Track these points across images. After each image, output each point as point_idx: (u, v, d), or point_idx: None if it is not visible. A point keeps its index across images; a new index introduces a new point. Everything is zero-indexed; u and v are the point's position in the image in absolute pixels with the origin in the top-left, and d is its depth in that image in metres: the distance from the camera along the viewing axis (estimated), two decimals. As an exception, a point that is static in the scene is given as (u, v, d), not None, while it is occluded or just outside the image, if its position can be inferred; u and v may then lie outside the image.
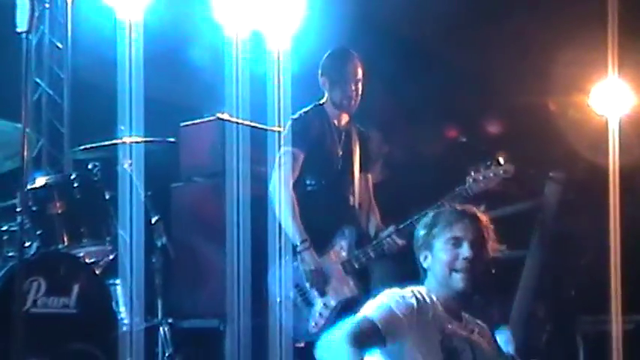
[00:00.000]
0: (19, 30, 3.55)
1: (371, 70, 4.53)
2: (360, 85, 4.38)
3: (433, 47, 6.16)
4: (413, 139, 5.84)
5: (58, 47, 5.70)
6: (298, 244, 4.21)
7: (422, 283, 2.78)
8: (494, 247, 2.81)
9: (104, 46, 4.96)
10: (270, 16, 4.89)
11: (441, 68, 6.00)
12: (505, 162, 4.21)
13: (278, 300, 4.26)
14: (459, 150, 5.12)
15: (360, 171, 4.50)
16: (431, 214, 2.90)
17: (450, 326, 2.68)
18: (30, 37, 3.53)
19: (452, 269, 2.69)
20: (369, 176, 4.60)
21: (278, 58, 4.72)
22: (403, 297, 2.64)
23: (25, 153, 3.77)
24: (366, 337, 2.51)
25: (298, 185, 4.33)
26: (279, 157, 4.33)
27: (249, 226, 4.55)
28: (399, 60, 5.72)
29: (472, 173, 4.21)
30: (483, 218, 2.82)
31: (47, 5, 5.59)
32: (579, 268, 5.05)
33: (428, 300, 2.67)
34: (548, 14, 5.44)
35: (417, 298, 2.65)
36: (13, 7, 3.48)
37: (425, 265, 2.77)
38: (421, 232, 2.81)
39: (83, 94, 5.67)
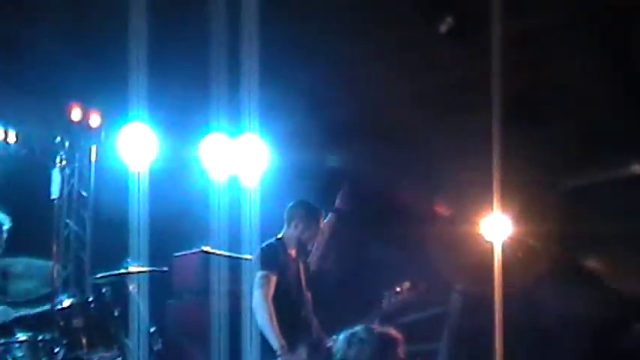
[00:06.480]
0: (52, 197, 5.22)
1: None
2: None
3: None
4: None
5: (83, 195, 7.32)
6: (278, 348, 5.06)
7: None
8: None
9: (120, 192, 6.51)
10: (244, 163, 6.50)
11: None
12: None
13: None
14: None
15: (306, 290, 5.60)
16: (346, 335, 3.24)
17: None
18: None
19: None
20: (309, 294, 5.66)
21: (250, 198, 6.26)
22: None
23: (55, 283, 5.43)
24: None
25: (273, 301, 5.22)
26: (259, 279, 5.23)
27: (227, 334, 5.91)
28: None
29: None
30: (399, 338, 3.12)
31: (76, 165, 7.24)
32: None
33: None
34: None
35: None
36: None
37: None
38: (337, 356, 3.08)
39: (102, 231, 7.22)
